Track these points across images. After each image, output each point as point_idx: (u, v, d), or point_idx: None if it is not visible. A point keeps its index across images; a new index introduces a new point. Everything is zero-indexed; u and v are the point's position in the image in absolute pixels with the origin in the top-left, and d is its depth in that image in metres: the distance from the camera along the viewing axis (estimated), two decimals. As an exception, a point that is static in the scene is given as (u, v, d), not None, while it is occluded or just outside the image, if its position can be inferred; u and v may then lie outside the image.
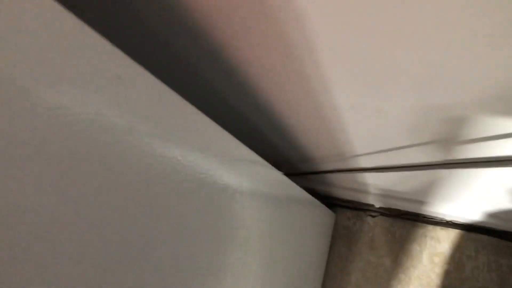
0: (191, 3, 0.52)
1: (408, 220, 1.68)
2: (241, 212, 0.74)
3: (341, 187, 1.58)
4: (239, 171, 0.73)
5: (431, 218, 1.67)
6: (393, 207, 1.67)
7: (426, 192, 1.34)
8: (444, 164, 0.83)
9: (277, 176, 0.95)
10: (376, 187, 1.43)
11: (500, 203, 1.19)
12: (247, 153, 0.76)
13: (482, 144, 0.72)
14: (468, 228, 1.65)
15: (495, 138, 0.68)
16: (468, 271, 1.61)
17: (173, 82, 0.53)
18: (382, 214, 1.70)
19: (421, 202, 1.50)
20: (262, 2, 0.47)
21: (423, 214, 1.65)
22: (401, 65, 0.52)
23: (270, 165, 0.89)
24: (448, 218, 1.65)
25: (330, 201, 1.72)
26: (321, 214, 1.52)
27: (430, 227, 1.67)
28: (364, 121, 0.77)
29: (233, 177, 0.70)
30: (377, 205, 1.69)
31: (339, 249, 1.70)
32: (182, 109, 0.51)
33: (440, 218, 1.66)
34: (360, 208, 1.72)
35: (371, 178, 1.33)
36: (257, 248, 0.86)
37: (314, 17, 0.47)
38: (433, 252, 1.65)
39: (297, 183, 1.13)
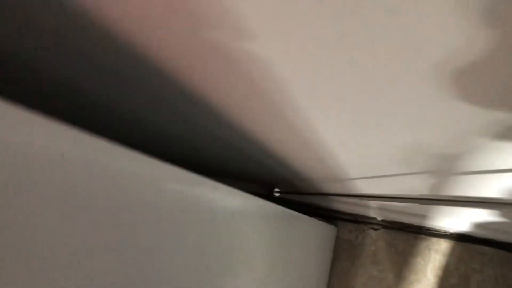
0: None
1: (411, 233, 1.64)
2: (241, 233, 0.78)
3: (342, 201, 1.56)
4: (237, 203, 0.77)
5: (435, 231, 1.63)
6: (395, 220, 1.64)
7: (427, 207, 1.31)
8: (434, 199, 0.81)
9: (270, 206, 0.95)
10: (376, 202, 1.40)
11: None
12: (240, 195, 0.78)
13: (470, 178, 0.69)
14: (473, 241, 1.61)
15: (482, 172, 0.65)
16: (473, 284, 1.57)
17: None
18: (384, 227, 1.67)
19: (424, 216, 1.47)
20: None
21: (426, 227, 1.61)
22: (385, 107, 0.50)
23: (262, 200, 0.89)
24: (452, 231, 1.62)
25: (331, 214, 1.70)
26: (321, 230, 1.49)
27: (434, 239, 1.64)
28: (355, 153, 0.75)
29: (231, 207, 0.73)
30: (379, 218, 1.66)
31: (341, 263, 1.67)
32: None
33: (444, 230, 1.63)
34: (362, 221, 1.69)
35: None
36: (258, 267, 0.89)
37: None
38: (437, 266, 1.61)
39: (297, 198, 1.12)
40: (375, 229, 1.68)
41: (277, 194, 1.58)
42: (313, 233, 1.42)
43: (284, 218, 1.10)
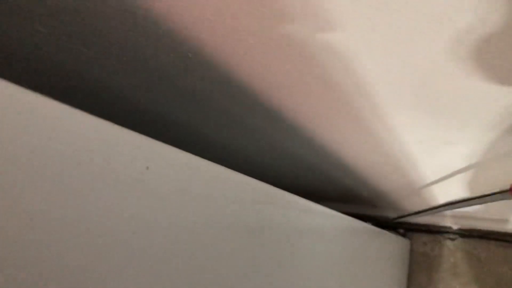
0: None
1: (494, 241, 1.52)
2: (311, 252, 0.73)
3: (413, 211, 1.48)
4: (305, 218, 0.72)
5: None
6: (473, 227, 1.53)
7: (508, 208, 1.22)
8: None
9: (340, 218, 0.92)
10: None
11: None
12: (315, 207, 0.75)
13: None
14: None
15: None
16: None
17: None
18: (461, 235, 1.56)
19: (506, 221, 1.36)
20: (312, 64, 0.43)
21: (510, 233, 1.49)
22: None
23: (335, 212, 0.86)
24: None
25: (403, 226, 1.61)
26: (393, 243, 1.42)
27: (520, 246, 1.51)
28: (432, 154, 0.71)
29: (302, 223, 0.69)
30: (455, 226, 1.56)
31: (419, 278, 1.58)
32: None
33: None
34: (437, 231, 1.60)
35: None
36: (334, 283, 0.86)
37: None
38: (527, 275, 1.48)
39: (365, 211, 1.08)
40: (452, 239, 1.58)
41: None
42: (387, 247, 1.36)
43: (359, 231, 1.06)
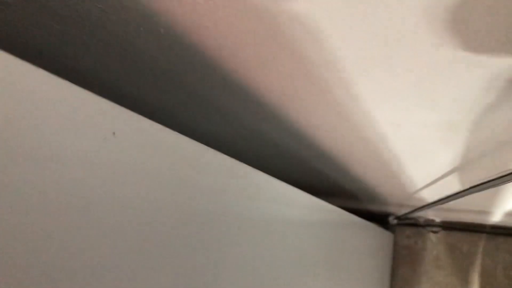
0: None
1: (475, 233, 1.54)
2: (292, 243, 0.72)
3: (397, 204, 1.49)
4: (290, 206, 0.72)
5: (502, 228, 1.52)
6: (456, 220, 1.54)
7: (493, 201, 1.23)
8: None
9: (326, 206, 0.91)
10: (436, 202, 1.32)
11: None
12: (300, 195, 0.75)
13: None
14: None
15: None
16: (553, 284, 1.44)
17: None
18: (444, 228, 1.57)
19: (488, 212, 1.37)
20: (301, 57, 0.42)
21: (491, 225, 1.51)
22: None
23: (322, 201, 0.85)
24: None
25: (386, 220, 1.62)
26: (377, 236, 1.42)
27: (502, 238, 1.52)
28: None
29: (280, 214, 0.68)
30: (438, 219, 1.57)
31: (403, 271, 1.58)
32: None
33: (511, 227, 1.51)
34: (420, 225, 1.60)
35: (430, 196, 1.24)
36: (319, 274, 0.85)
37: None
38: (508, 266, 1.49)
39: (349, 205, 1.08)
40: (435, 232, 1.59)
41: (394, 221, 1.57)
42: (372, 239, 1.36)
43: (345, 222, 1.06)
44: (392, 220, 1.59)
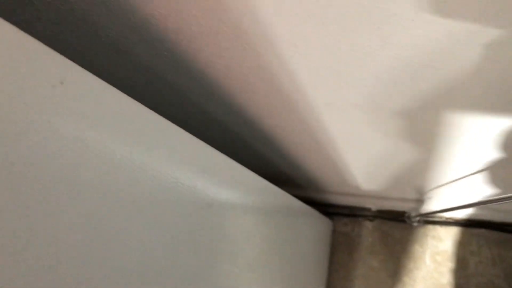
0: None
1: (407, 221, 1.64)
2: (228, 226, 0.71)
3: (336, 193, 1.55)
4: (225, 184, 0.70)
5: (430, 217, 1.63)
6: (390, 208, 1.64)
7: (421, 188, 1.32)
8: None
9: (269, 187, 0.92)
10: (370, 190, 1.40)
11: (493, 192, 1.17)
12: (234, 166, 0.73)
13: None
14: (468, 224, 1.62)
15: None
16: (472, 267, 1.57)
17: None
18: (379, 217, 1.66)
19: (418, 201, 1.47)
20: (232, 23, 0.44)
21: (421, 213, 1.62)
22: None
23: (262, 179, 0.85)
24: (447, 215, 1.62)
25: (326, 209, 1.68)
26: (318, 223, 1.48)
27: (430, 226, 1.64)
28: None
29: (218, 191, 0.67)
30: (374, 208, 1.66)
31: (339, 257, 1.66)
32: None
33: (439, 216, 1.63)
34: (357, 213, 1.69)
35: (364, 183, 1.31)
36: (249, 262, 0.82)
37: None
38: (435, 252, 1.61)
39: (290, 192, 1.10)
40: (371, 220, 1.67)
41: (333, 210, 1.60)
42: (309, 226, 1.40)
43: (284, 206, 1.07)
44: (331, 209, 1.66)
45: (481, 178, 1.04)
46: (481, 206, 1.16)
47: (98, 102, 0.38)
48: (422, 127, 0.72)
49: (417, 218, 1.57)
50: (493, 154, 0.83)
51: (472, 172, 1.03)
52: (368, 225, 1.68)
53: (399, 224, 1.65)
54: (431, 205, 1.47)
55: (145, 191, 0.46)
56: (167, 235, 0.51)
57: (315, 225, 1.44)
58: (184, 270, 0.55)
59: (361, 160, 1.03)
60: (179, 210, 0.54)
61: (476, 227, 1.61)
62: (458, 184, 1.15)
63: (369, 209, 1.67)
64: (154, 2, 0.46)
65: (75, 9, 0.49)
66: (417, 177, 1.13)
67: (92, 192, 0.37)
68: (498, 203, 0.80)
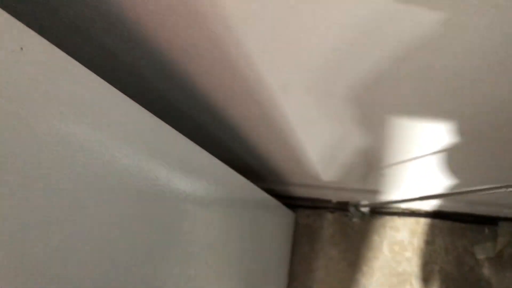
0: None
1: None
2: (188, 218, 0.69)
3: (298, 185, 1.58)
4: (186, 173, 0.68)
5: (388, 208, 1.70)
6: (348, 200, 1.69)
7: (378, 181, 1.36)
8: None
9: (234, 175, 0.92)
10: (330, 181, 1.43)
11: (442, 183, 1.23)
12: (195, 150, 0.72)
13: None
14: (424, 214, 1.69)
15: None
16: (427, 255, 1.64)
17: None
18: (340, 209, 1.71)
19: (375, 192, 1.52)
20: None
21: (379, 204, 1.67)
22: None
23: (224, 165, 0.84)
24: (404, 206, 1.69)
25: (289, 201, 1.71)
26: (280, 214, 1.50)
27: (388, 217, 1.70)
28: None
29: (178, 180, 0.65)
30: (334, 199, 1.70)
31: (301, 249, 1.69)
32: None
33: (395, 207, 1.70)
34: (319, 205, 1.73)
35: (323, 174, 1.34)
36: (211, 254, 0.81)
37: None
38: (392, 241, 1.68)
39: (254, 184, 1.10)
40: (332, 212, 1.72)
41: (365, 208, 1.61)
42: (272, 217, 1.42)
43: (247, 198, 1.07)
44: (294, 201, 1.69)
45: (435, 167, 1.09)
46: (436, 198, 1.22)
47: (57, 72, 0.38)
48: (370, 112, 0.76)
49: (367, 209, 1.63)
50: (446, 141, 0.88)
51: (426, 162, 1.08)
52: (329, 216, 1.72)
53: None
54: (387, 196, 1.52)
55: (95, 173, 0.44)
56: (119, 222, 0.49)
57: (278, 217, 1.47)
58: (140, 256, 0.54)
59: (318, 149, 1.06)
60: (133, 197, 0.52)
61: (430, 218, 1.68)
62: (411, 174, 1.21)
63: (330, 201, 1.71)
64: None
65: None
66: (371, 166, 1.17)
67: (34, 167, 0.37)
68: (452, 196, 0.84)
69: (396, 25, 0.48)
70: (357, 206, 1.64)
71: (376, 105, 0.72)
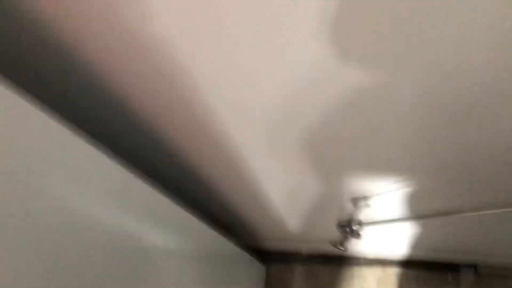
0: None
1: (335, 264, 1.75)
2: (161, 272, 0.71)
3: (269, 238, 1.62)
4: (159, 229, 0.71)
5: (356, 259, 1.76)
6: (319, 251, 1.73)
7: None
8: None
9: (207, 230, 0.95)
10: (298, 233, 1.48)
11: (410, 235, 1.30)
12: (170, 206, 0.75)
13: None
14: (392, 264, 1.75)
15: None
16: (395, 304, 1.69)
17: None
18: (310, 261, 1.76)
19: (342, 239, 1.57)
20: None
21: (347, 256, 1.73)
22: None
23: (197, 219, 0.88)
24: (371, 257, 1.75)
25: (261, 255, 1.75)
26: (252, 268, 1.53)
27: (356, 268, 1.76)
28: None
29: (153, 236, 0.67)
30: (304, 251, 1.75)
31: (273, 301, 1.71)
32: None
33: (364, 257, 1.76)
34: (290, 258, 1.77)
35: (290, 225, 1.39)
36: None
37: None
38: (361, 291, 1.72)
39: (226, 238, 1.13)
40: (302, 265, 1.76)
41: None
42: (247, 270, 1.44)
43: (218, 252, 1.08)
44: (266, 255, 1.72)
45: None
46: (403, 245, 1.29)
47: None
48: (321, 160, 0.83)
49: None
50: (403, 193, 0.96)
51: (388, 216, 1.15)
52: (300, 269, 1.76)
53: (328, 267, 1.75)
54: (355, 245, 1.58)
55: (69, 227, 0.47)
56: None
57: (249, 270, 1.49)
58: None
59: (281, 199, 1.12)
60: (107, 252, 0.54)
61: (397, 266, 1.75)
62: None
63: (300, 253, 1.76)
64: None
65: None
66: (332, 215, 1.23)
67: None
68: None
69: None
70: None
71: (328, 156, 0.80)
